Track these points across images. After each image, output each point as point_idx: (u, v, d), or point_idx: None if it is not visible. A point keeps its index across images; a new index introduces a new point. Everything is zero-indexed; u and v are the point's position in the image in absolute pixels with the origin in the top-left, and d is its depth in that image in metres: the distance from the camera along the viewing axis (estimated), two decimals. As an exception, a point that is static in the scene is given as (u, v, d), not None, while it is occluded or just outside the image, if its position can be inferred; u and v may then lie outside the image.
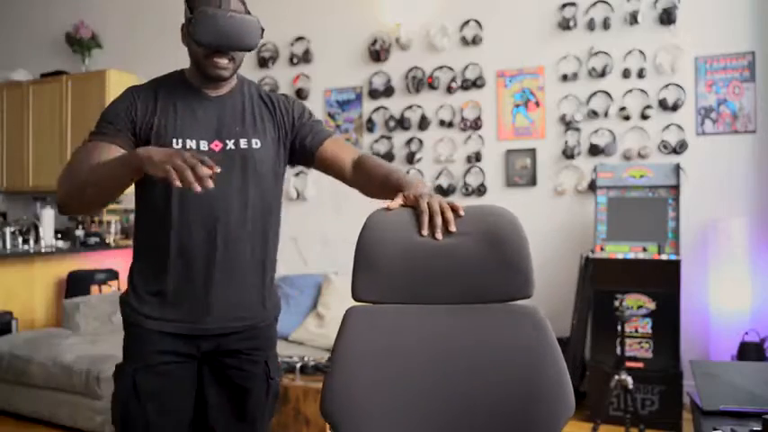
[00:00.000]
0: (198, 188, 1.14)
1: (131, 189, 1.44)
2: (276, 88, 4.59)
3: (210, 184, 1.15)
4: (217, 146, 1.43)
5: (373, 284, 1.20)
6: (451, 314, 1.19)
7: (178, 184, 1.14)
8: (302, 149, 1.54)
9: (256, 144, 1.47)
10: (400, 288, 1.20)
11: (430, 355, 1.17)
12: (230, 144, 1.44)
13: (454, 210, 1.21)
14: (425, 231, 1.18)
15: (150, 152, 1.22)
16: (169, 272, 1.42)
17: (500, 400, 1.13)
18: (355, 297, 1.21)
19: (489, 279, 1.19)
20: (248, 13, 1.43)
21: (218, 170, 1.18)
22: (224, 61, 1.40)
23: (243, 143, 1.45)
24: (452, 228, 1.19)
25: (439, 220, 1.19)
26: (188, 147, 1.41)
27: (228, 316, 1.46)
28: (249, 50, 1.42)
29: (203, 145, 1.42)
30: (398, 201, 1.27)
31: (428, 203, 1.21)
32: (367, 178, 1.45)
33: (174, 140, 1.41)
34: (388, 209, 1.25)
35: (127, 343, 1.49)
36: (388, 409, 1.14)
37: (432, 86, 4.16)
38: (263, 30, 1.42)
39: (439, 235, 1.18)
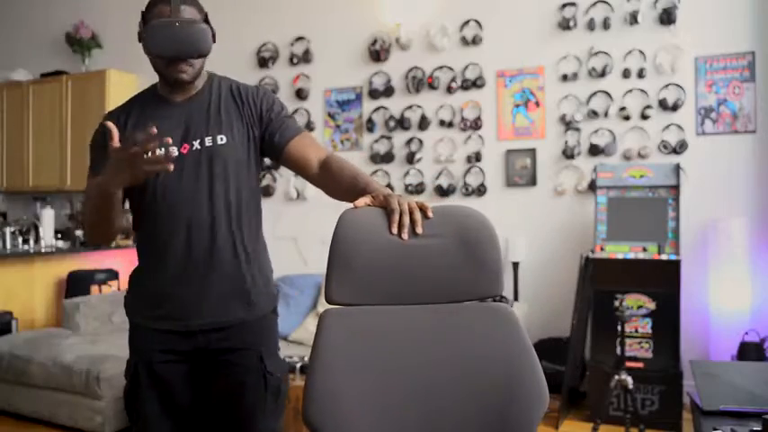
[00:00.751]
0: (170, 167, 1.26)
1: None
2: (276, 89, 4.59)
3: (170, 167, 1.26)
4: (185, 149, 1.47)
5: (347, 287, 1.20)
6: (426, 314, 1.21)
7: (158, 168, 1.27)
8: (270, 144, 1.54)
9: (221, 140, 1.48)
10: (374, 290, 1.21)
11: (406, 355, 1.18)
12: (196, 144, 1.47)
13: (423, 210, 1.22)
14: (395, 230, 1.19)
15: (106, 174, 1.33)
16: (151, 272, 1.50)
17: (477, 396, 1.15)
18: (329, 300, 1.21)
19: (461, 278, 1.21)
20: (207, 20, 1.48)
21: (155, 131, 1.23)
22: (181, 66, 1.43)
23: (207, 141, 1.48)
24: (419, 229, 1.20)
25: (407, 220, 1.20)
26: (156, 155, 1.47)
27: (210, 312, 1.49)
28: (200, 57, 1.44)
29: (173, 151, 1.46)
30: (366, 200, 1.27)
31: (398, 202, 1.22)
32: (333, 180, 1.45)
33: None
34: (355, 207, 1.26)
35: (129, 339, 1.57)
36: (367, 410, 1.14)
37: (432, 86, 4.16)
38: (214, 35, 1.46)
39: (405, 235, 1.19)
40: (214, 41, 1.46)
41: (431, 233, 1.21)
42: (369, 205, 1.27)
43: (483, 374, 1.16)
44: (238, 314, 1.51)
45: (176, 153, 1.46)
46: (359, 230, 1.22)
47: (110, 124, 1.32)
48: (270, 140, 1.53)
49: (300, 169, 1.53)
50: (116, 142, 1.28)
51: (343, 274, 1.20)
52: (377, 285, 1.20)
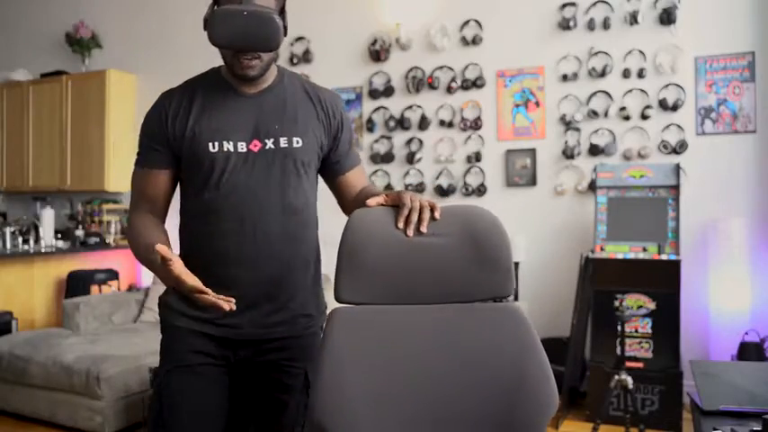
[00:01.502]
0: (232, 307, 1.20)
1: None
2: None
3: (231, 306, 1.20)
4: (255, 146, 1.36)
5: (357, 286, 1.20)
6: (435, 314, 1.20)
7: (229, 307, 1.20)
8: (329, 167, 1.49)
9: (297, 142, 1.39)
10: (384, 289, 1.20)
11: (415, 355, 1.18)
12: (269, 143, 1.37)
13: (432, 210, 1.23)
14: (401, 224, 1.21)
15: (157, 272, 1.26)
16: (204, 271, 1.31)
17: (485, 398, 1.14)
18: (338, 299, 1.21)
19: (471, 279, 1.20)
20: (282, 10, 1.39)
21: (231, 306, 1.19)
22: (248, 61, 1.31)
23: (283, 141, 1.37)
24: (424, 228, 1.21)
25: (414, 217, 1.21)
26: (224, 149, 1.35)
27: (266, 322, 1.40)
28: (267, 50, 1.31)
29: (241, 146, 1.36)
30: (379, 199, 1.29)
31: (410, 199, 1.23)
32: (357, 203, 1.41)
33: (210, 144, 1.35)
34: (367, 206, 1.28)
35: (163, 344, 1.45)
36: (375, 410, 1.14)
37: (432, 86, 4.16)
38: (285, 28, 1.35)
39: (410, 232, 1.20)
40: (285, 35, 1.34)
41: (442, 233, 1.21)
42: (382, 204, 1.28)
43: (492, 375, 1.15)
44: (294, 327, 1.43)
45: (244, 149, 1.36)
46: (369, 230, 1.22)
47: (163, 250, 1.16)
48: (331, 163, 1.48)
49: (342, 197, 1.52)
50: (176, 269, 1.17)
51: (353, 273, 1.20)
52: (386, 285, 1.20)
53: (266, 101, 1.39)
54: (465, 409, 1.14)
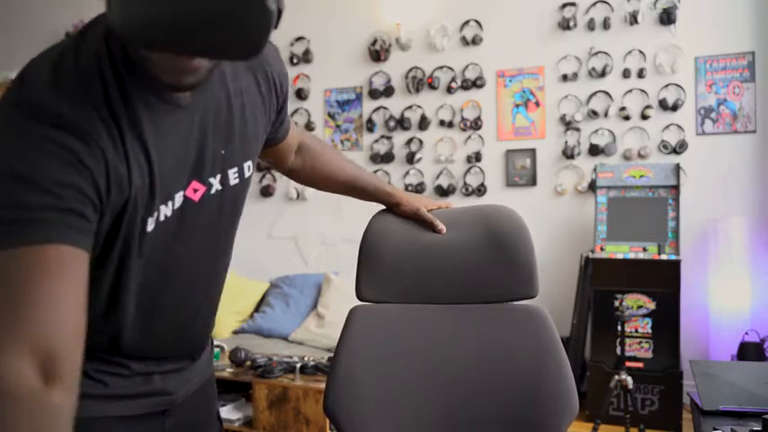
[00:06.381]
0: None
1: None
2: (276, 88, 4.58)
3: None
4: (196, 190, 0.85)
5: (377, 284, 1.21)
6: (455, 314, 1.20)
7: None
8: (268, 139, 1.04)
9: (249, 169, 0.93)
10: (404, 288, 1.21)
11: (433, 354, 1.17)
12: (216, 183, 0.87)
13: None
14: (433, 229, 1.26)
15: None
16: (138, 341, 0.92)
17: (503, 400, 1.13)
18: (359, 297, 1.22)
19: (493, 279, 1.19)
20: None
21: None
22: (190, 62, 0.70)
23: (233, 176, 0.90)
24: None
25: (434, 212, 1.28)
26: (161, 217, 0.81)
27: (193, 378, 1.05)
28: (249, 58, 0.67)
29: (177, 199, 0.82)
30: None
31: (426, 209, 1.28)
32: (322, 172, 1.24)
33: (150, 219, 0.80)
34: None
35: None
36: (390, 407, 1.14)
37: (432, 86, 4.16)
38: (280, 10, 0.65)
39: (442, 226, 1.24)
40: (279, 21, 0.66)
41: (463, 233, 1.21)
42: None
43: (511, 377, 1.14)
44: (206, 374, 1.10)
45: (180, 201, 0.83)
46: (389, 230, 1.23)
47: None
48: (269, 134, 1.05)
49: (276, 161, 1.18)
50: None
51: (372, 271, 1.21)
52: (406, 284, 1.21)
53: (205, 104, 0.83)
54: (482, 411, 1.13)
